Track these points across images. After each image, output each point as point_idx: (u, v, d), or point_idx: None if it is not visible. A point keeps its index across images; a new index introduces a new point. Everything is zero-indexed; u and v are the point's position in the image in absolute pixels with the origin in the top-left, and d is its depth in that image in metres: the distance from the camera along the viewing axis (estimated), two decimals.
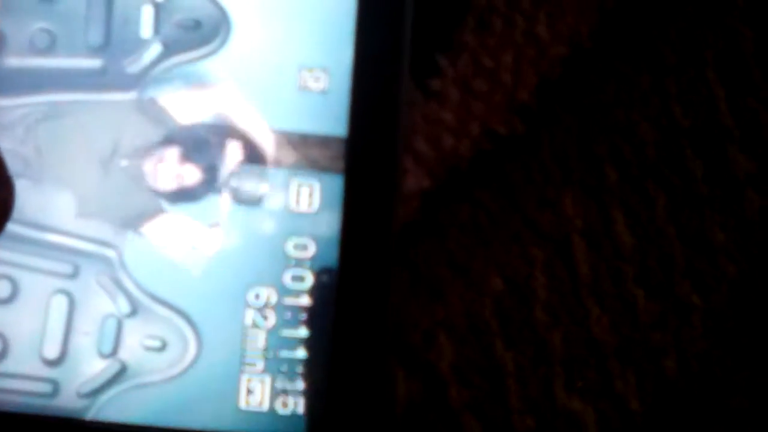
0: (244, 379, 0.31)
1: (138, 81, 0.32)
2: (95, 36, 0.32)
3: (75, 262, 0.32)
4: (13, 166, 0.32)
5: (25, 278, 0.32)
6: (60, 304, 0.32)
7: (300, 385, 0.32)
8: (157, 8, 0.32)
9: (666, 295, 0.33)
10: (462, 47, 0.34)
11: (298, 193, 0.32)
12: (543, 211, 0.33)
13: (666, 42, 0.34)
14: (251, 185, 0.32)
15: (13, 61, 0.32)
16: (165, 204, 0.32)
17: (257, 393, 0.31)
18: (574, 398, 0.32)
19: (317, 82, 0.32)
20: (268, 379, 0.32)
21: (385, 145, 0.31)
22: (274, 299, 0.32)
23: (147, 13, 0.32)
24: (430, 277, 0.33)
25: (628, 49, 0.33)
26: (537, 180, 0.33)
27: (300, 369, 0.32)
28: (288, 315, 0.32)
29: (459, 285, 0.33)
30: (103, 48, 0.32)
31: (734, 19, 0.34)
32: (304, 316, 0.32)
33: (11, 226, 0.32)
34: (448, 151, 0.33)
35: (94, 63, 0.32)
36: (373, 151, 0.31)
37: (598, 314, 0.32)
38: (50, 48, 0.32)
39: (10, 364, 0.32)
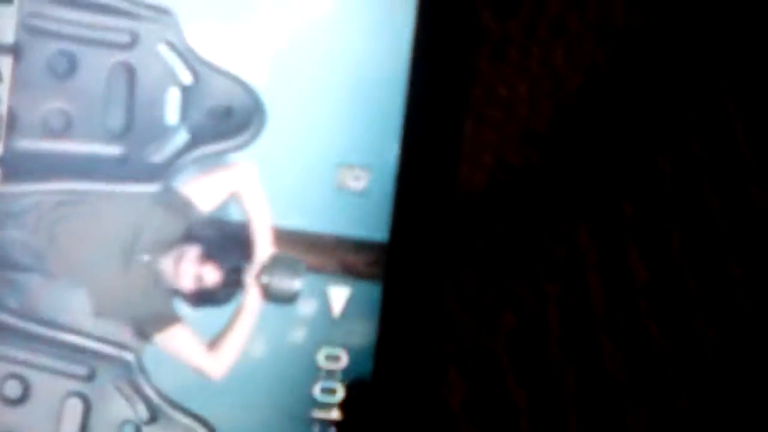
0: None
1: (162, 172, 0.30)
2: (116, 120, 0.29)
3: (91, 363, 0.30)
4: (23, 258, 0.30)
5: (37, 379, 0.30)
6: (75, 407, 0.30)
7: None
8: (185, 92, 0.29)
9: (681, 330, 0.32)
10: (476, 77, 0.33)
11: (332, 300, 0.30)
12: (557, 245, 0.32)
13: (684, 72, 0.33)
14: (280, 289, 0.30)
15: (25, 144, 0.30)
16: (187, 306, 0.30)
17: None
18: None
19: (357, 181, 0.29)
20: None
21: (428, 253, 0.29)
22: (303, 412, 0.30)
23: (173, 97, 0.29)
24: (442, 313, 0.32)
25: (645, 79, 0.32)
26: (551, 213, 0.32)
27: None
28: (317, 429, 0.30)
29: (471, 321, 0.32)
30: (125, 134, 0.29)
31: (753, 49, 0.33)
32: (334, 430, 0.30)
33: (23, 324, 0.30)
34: (460, 181, 0.32)
35: (113, 150, 0.30)
36: (415, 259, 0.29)
37: (612, 350, 0.32)
38: (66, 131, 0.29)
39: None
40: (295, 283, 0.30)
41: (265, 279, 0.30)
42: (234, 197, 0.30)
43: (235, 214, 0.30)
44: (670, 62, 0.33)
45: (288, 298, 0.30)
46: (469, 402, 0.32)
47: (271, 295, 0.30)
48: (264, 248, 0.30)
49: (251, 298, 0.30)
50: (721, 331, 0.32)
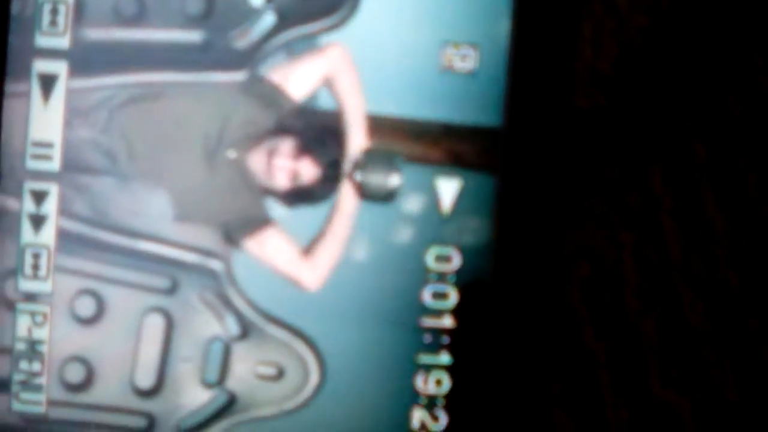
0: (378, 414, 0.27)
1: (247, 58, 0.27)
2: (195, 3, 0.26)
3: (173, 275, 0.27)
4: (94, 159, 0.27)
5: (113, 294, 0.27)
6: (155, 324, 0.27)
7: (443, 421, 0.27)
8: None
9: (762, 279, 0.30)
10: None
11: (441, 195, 0.27)
12: (630, 191, 0.31)
13: (753, 11, 0.31)
14: (375, 179, 0.27)
15: (94, 33, 0.27)
16: (280, 206, 0.27)
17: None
18: (670, 390, 0.30)
19: (464, 62, 0.26)
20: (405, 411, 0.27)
21: (546, 137, 0.26)
22: (410, 319, 0.27)
23: None
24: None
25: (711, 17, 0.31)
26: (622, 157, 0.31)
27: (442, 403, 0.27)
28: (428, 338, 0.27)
29: (546, 272, 0.30)
30: (205, 18, 0.27)
31: None
32: (446, 340, 0.27)
33: (95, 232, 0.27)
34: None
35: (193, 36, 0.27)
36: (532, 146, 0.26)
37: (692, 300, 0.30)
38: (138, 17, 0.27)
39: (98, 395, 0.27)
40: (392, 179, 0.27)
41: (358, 176, 0.27)
42: (328, 83, 0.27)
43: (330, 103, 0.27)
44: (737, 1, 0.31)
45: (385, 195, 0.27)
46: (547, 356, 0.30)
47: (366, 193, 0.27)
48: (356, 138, 0.27)
49: (346, 197, 0.27)
50: None
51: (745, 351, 0.30)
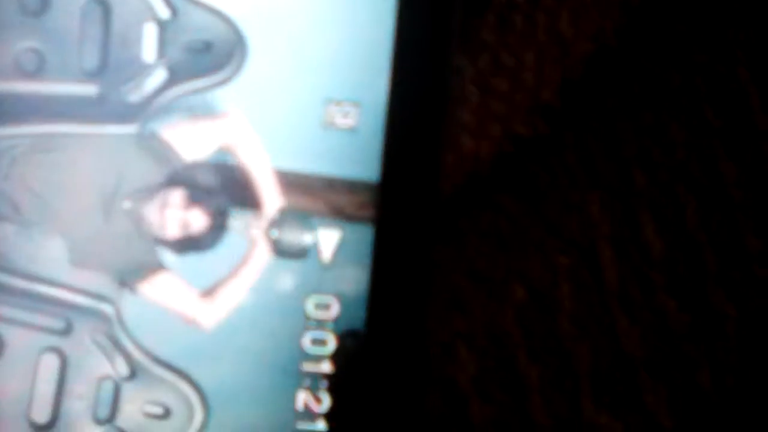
0: None
1: (140, 112, 0.27)
2: (90, 58, 0.27)
3: (68, 316, 0.28)
4: None
5: (11, 333, 0.28)
6: (51, 363, 0.28)
7: None
8: (162, 27, 0.27)
9: (698, 305, 0.31)
10: (481, 46, 0.32)
11: (321, 245, 0.28)
12: (568, 217, 0.31)
13: (695, 39, 0.31)
14: (290, 238, 0.27)
15: None
16: (170, 254, 0.28)
17: None
18: (603, 414, 0.30)
19: (346, 118, 0.27)
20: None
21: (421, 191, 0.27)
22: (292, 365, 0.28)
23: (150, 33, 0.27)
24: (449, 287, 0.31)
25: (656, 46, 0.31)
26: (562, 184, 0.31)
27: None
28: (307, 382, 0.28)
29: (479, 295, 0.31)
30: (100, 72, 0.27)
31: (766, 15, 0.32)
32: (325, 383, 0.28)
33: None
34: (467, 153, 0.31)
35: (89, 89, 0.27)
36: (408, 199, 0.27)
37: (627, 325, 0.30)
38: (38, 71, 0.27)
39: None
40: (307, 237, 0.27)
41: (274, 234, 0.28)
42: (225, 148, 0.28)
43: (220, 157, 0.28)
44: (681, 28, 0.31)
45: (299, 253, 0.27)
46: (479, 379, 0.31)
47: (281, 250, 0.27)
48: (268, 197, 0.28)
49: (259, 252, 0.28)
50: (740, 304, 0.31)
51: (680, 377, 0.30)
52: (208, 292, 0.28)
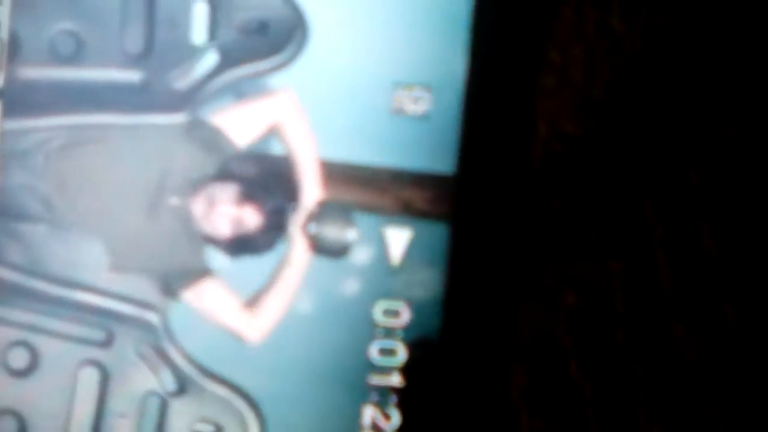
0: None
1: (188, 99, 0.25)
2: (134, 41, 0.25)
3: (108, 327, 0.26)
4: (29, 206, 0.26)
5: (46, 345, 0.26)
6: (90, 378, 0.26)
7: None
8: (213, 7, 0.25)
9: (758, 311, 0.30)
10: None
11: (390, 245, 0.25)
12: (621, 220, 0.30)
13: (750, 36, 0.30)
14: (330, 233, 0.25)
15: (29, 73, 0.25)
16: (220, 256, 0.26)
17: None
18: (657, 427, 0.30)
19: (416, 104, 0.25)
20: None
21: (502, 184, 0.25)
22: (358, 377, 0.26)
23: (200, 13, 0.25)
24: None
25: (709, 41, 0.30)
26: (613, 185, 0.30)
27: None
28: (375, 397, 0.26)
29: (530, 301, 0.30)
30: (144, 57, 0.25)
31: None
32: (394, 398, 0.26)
33: (29, 282, 0.26)
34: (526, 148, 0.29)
35: (132, 76, 0.25)
36: (487, 194, 0.25)
37: (683, 333, 0.30)
38: (76, 56, 0.25)
39: None
40: (348, 234, 0.26)
41: (312, 229, 0.25)
42: (274, 130, 0.25)
43: (276, 147, 0.26)
44: (734, 23, 0.30)
45: (339, 251, 0.26)
46: (529, 391, 0.30)
47: (320, 247, 0.26)
48: (310, 188, 0.25)
49: (298, 250, 0.25)
50: None
51: (739, 386, 0.29)
52: (253, 300, 0.25)
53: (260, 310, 0.25)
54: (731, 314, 0.30)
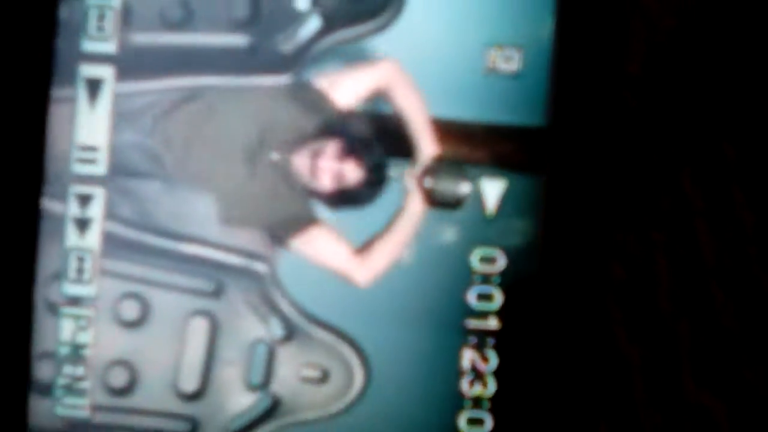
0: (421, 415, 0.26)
1: (292, 62, 0.26)
2: (241, 7, 0.26)
3: (218, 277, 0.26)
4: (140, 163, 0.27)
5: (157, 297, 0.26)
6: (200, 327, 0.26)
7: (488, 423, 0.26)
8: None
9: None
10: None
11: (486, 196, 0.26)
12: (661, 192, 0.30)
13: None
14: (440, 186, 0.26)
15: (140, 38, 0.26)
16: (323, 209, 0.27)
17: None
18: (704, 391, 0.30)
19: (508, 63, 0.26)
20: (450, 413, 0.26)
21: (591, 136, 0.26)
22: (456, 321, 0.26)
23: None
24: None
25: (741, 17, 0.31)
26: (652, 158, 0.30)
27: (487, 405, 0.26)
28: (473, 340, 0.27)
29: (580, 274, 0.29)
30: (251, 22, 0.26)
31: None
32: (492, 341, 0.27)
33: (140, 236, 0.27)
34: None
35: (239, 40, 0.26)
36: (579, 146, 0.26)
37: (724, 300, 0.30)
38: (185, 22, 0.26)
39: (141, 399, 0.26)
40: (463, 187, 0.26)
41: (428, 183, 0.26)
42: (379, 93, 0.27)
43: (375, 106, 0.27)
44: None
45: (455, 203, 0.26)
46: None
47: (436, 200, 0.26)
48: (423, 145, 0.26)
49: (414, 202, 0.26)
50: None
51: None
52: (365, 247, 0.26)
53: (372, 255, 0.26)
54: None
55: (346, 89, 0.26)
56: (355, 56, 0.27)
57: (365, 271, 0.26)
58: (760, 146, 0.30)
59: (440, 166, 0.26)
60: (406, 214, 0.26)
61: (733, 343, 0.30)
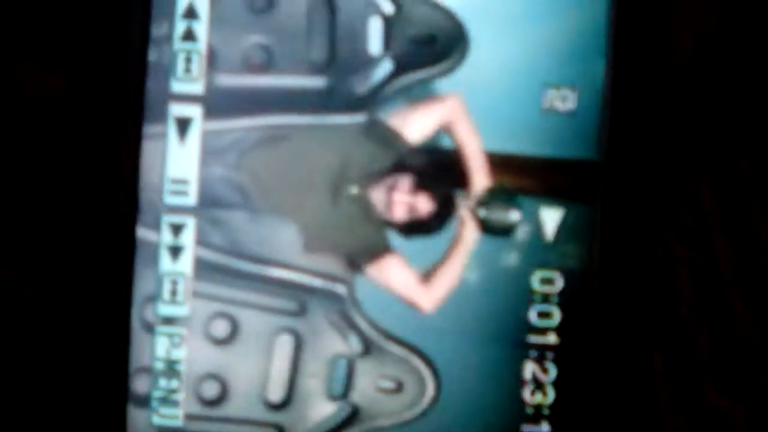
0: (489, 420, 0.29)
1: (367, 102, 0.28)
2: (319, 52, 0.29)
3: (301, 298, 0.29)
4: (227, 195, 0.29)
5: (246, 317, 0.29)
6: (285, 343, 0.29)
7: (545, 430, 0.29)
8: (387, 21, 0.28)
9: None
10: None
11: (544, 223, 0.29)
12: (682, 206, 0.31)
13: None
14: (492, 215, 0.29)
15: (226, 80, 0.29)
16: (396, 238, 0.29)
17: None
18: (723, 396, 0.31)
19: (564, 102, 0.28)
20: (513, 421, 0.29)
21: (641, 170, 0.29)
22: (518, 337, 0.29)
23: (375, 27, 0.28)
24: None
25: (756, 37, 0.31)
26: (673, 174, 0.31)
27: (547, 413, 0.29)
28: (534, 354, 0.29)
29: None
30: (328, 65, 0.28)
31: None
32: (551, 355, 0.29)
33: (230, 261, 0.29)
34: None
35: (317, 82, 0.29)
36: (629, 178, 0.29)
37: (742, 310, 0.31)
38: (267, 65, 0.29)
39: (232, 408, 0.29)
40: (513, 215, 0.29)
41: (482, 212, 0.29)
42: (446, 129, 0.29)
43: (443, 141, 0.29)
44: None
45: (505, 230, 0.29)
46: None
47: (488, 228, 0.29)
48: (477, 177, 0.29)
49: (468, 230, 0.29)
50: None
51: None
52: (428, 275, 0.29)
53: (434, 282, 0.29)
54: None
55: (417, 128, 0.29)
56: (425, 97, 0.29)
57: (429, 298, 0.28)
58: None
59: (491, 197, 0.29)
60: (463, 241, 0.29)
61: (751, 351, 0.31)
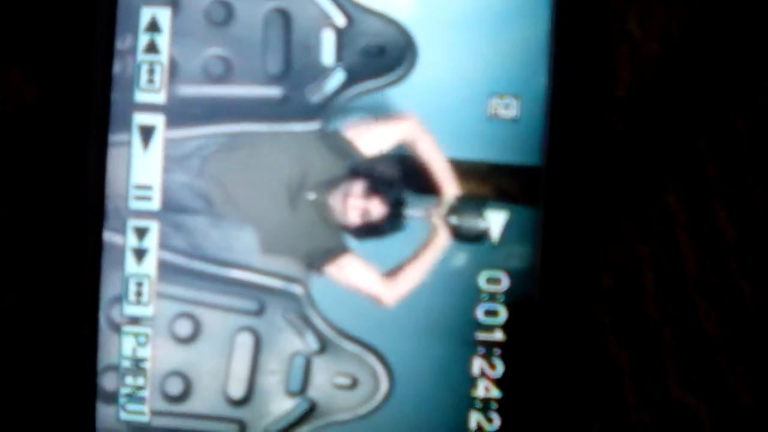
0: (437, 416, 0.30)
1: (321, 111, 0.30)
2: (274, 63, 0.30)
3: (260, 298, 0.30)
4: (189, 200, 0.30)
5: (207, 316, 0.30)
6: (245, 342, 0.30)
7: (496, 422, 0.30)
8: (339, 34, 0.30)
9: None
10: None
11: (491, 225, 0.30)
12: (647, 207, 0.32)
13: (756, 35, 0.32)
14: (469, 229, 0.30)
15: (187, 90, 0.30)
16: (352, 239, 0.30)
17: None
18: (688, 393, 0.31)
19: (508, 110, 0.30)
20: (462, 414, 0.30)
21: (582, 174, 0.30)
22: (466, 334, 0.30)
23: (328, 39, 0.30)
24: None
25: (719, 43, 0.32)
26: (639, 176, 0.32)
27: (495, 407, 0.30)
28: (482, 350, 0.30)
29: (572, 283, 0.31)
30: (283, 76, 0.30)
31: None
32: (498, 351, 0.30)
33: (192, 264, 0.30)
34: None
35: (273, 91, 0.30)
36: (570, 181, 0.30)
37: (706, 308, 0.31)
38: (226, 76, 0.30)
39: (195, 404, 0.30)
40: (482, 223, 0.30)
41: (453, 220, 0.30)
42: (405, 144, 0.29)
43: (394, 149, 0.30)
44: (742, 25, 0.32)
45: (477, 237, 0.30)
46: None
47: (460, 235, 0.30)
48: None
49: (440, 236, 0.30)
50: None
51: (758, 356, 0.31)
52: (391, 273, 0.30)
53: (398, 279, 0.29)
54: (748, 289, 0.31)
55: (369, 136, 0.30)
56: (376, 105, 0.30)
57: (391, 292, 0.30)
58: (740, 164, 0.32)
59: (462, 205, 0.30)
60: (433, 246, 0.30)
61: (715, 348, 0.32)
